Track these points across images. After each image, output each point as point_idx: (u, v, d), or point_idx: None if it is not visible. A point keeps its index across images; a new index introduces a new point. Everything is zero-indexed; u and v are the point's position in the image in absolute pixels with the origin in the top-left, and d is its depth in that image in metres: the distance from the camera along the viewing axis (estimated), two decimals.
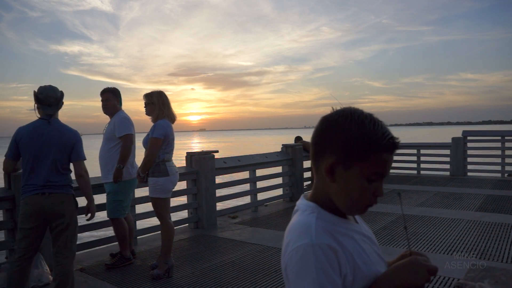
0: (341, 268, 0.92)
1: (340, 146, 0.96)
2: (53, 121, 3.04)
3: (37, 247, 2.99)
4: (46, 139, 2.96)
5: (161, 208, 3.77)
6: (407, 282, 0.96)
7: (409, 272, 0.96)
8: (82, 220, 3.52)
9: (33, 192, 2.90)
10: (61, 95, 3.11)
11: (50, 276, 3.55)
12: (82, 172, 3.13)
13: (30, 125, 3.02)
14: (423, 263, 0.96)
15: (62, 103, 3.14)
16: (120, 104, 4.19)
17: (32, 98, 3.11)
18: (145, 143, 3.76)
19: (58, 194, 2.95)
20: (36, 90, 3.06)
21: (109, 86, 4.21)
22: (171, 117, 3.88)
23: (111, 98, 4.12)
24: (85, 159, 3.18)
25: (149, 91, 3.90)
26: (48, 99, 3.02)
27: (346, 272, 0.93)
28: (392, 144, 0.95)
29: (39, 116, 3.06)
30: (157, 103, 3.79)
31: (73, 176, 3.15)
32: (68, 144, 3.04)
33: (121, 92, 4.24)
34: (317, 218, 0.98)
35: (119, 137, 3.98)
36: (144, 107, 3.87)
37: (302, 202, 1.07)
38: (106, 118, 4.19)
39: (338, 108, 1.01)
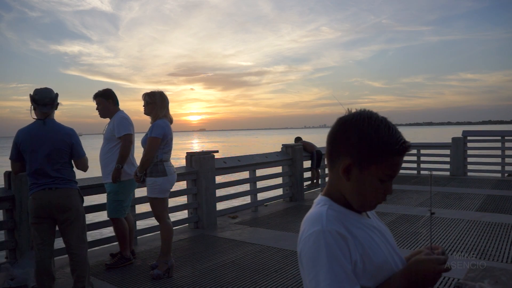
0: (351, 254, 0.98)
1: (356, 149, 1.01)
2: (48, 121, 3.13)
3: (52, 240, 3.15)
4: (43, 139, 3.06)
5: (159, 208, 3.77)
6: (419, 279, 1.01)
7: (420, 270, 1.01)
8: None
9: (39, 188, 3.03)
10: (55, 95, 3.20)
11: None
12: (85, 168, 3.31)
13: (27, 127, 3.12)
14: (434, 261, 1.00)
15: (58, 103, 3.23)
16: (117, 103, 4.14)
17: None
18: (144, 142, 3.76)
19: (64, 189, 3.09)
20: (31, 93, 3.16)
21: (100, 89, 4.15)
22: (170, 118, 3.88)
23: (101, 102, 4.08)
24: (85, 155, 3.31)
25: (148, 91, 3.89)
26: (44, 99, 3.12)
27: (356, 259, 0.98)
28: (405, 148, 1.01)
29: (35, 117, 3.15)
30: (159, 103, 3.79)
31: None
32: (65, 142, 3.14)
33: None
34: (328, 208, 1.05)
35: (118, 137, 3.97)
36: (144, 106, 3.86)
37: (317, 198, 1.13)
38: (106, 119, 4.18)
39: (354, 110, 1.07)
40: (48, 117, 3.14)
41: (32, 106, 3.15)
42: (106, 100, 4.07)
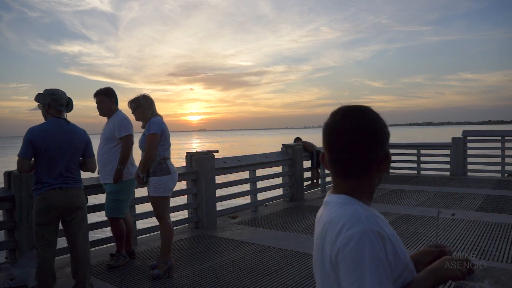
0: (387, 255, 0.95)
1: (376, 147, 1.03)
2: (68, 121, 3.17)
3: (56, 241, 3.14)
4: (64, 138, 3.07)
5: (162, 208, 3.77)
6: (446, 276, 1.03)
7: (447, 268, 1.03)
8: None
9: (50, 187, 3.00)
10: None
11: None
12: (94, 168, 3.39)
13: (44, 125, 3.08)
14: (459, 261, 1.04)
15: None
16: (116, 103, 4.13)
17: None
18: (142, 142, 3.75)
19: (75, 189, 3.11)
20: (45, 92, 3.12)
21: (102, 87, 4.12)
22: (160, 116, 3.89)
23: (104, 100, 4.04)
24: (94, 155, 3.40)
25: (132, 98, 3.87)
26: (62, 99, 3.13)
27: (390, 259, 0.96)
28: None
29: (54, 115, 3.11)
30: (145, 105, 3.80)
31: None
32: (82, 143, 3.19)
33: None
34: (361, 207, 1.01)
35: (119, 138, 3.96)
36: (132, 112, 3.85)
37: (333, 197, 1.08)
38: (105, 118, 4.17)
39: (356, 109, 1.08)
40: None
41: (44, 105, 3.11)
42: (109, 99, 4.05)
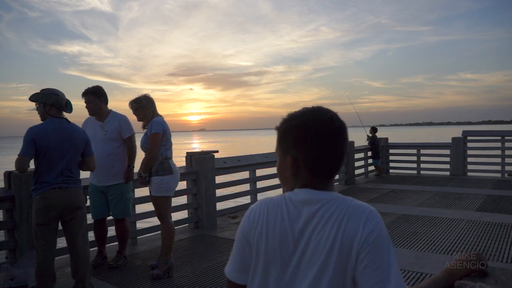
0: None
1: None
2: (68, 121, 3.18)
3: (55, 241, 3.13)
4: (65, 138, 3.07)
5: (164, 208, 3.77)
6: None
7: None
8: None
9: (50, 187, 2.99)
10: None
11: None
12: (94, 167, 3.40)
13: (46, 124, 3.06)
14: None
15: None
16: (106, 102, 4.02)
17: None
18: (144, 142, 3.75)
19: (74, 188, 3.10)
20: (46, 92, 3.10)
21: (90, 86, 4.00)
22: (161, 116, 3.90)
23: (92, 100, 3.93)
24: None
25: (132, 98, 3.87)
26: (63, 100, 3.14)
27: None
28: None
29: (55, 115, 3.10)
30: (146, 105, 3.79)
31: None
32: (82, 142, 3.19)
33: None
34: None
35: (128, 137, 3.98)
36: (134, 113, 3.83)
37: (326, 194, 1.06)
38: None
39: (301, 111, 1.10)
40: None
41: (45, 105, 3.08)
42: (98, 99, 3.95)
